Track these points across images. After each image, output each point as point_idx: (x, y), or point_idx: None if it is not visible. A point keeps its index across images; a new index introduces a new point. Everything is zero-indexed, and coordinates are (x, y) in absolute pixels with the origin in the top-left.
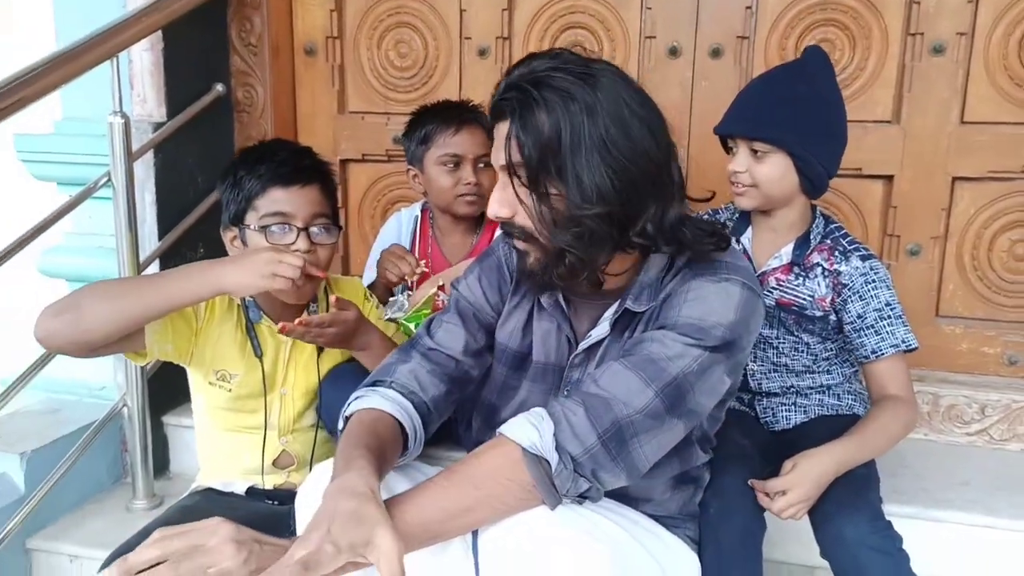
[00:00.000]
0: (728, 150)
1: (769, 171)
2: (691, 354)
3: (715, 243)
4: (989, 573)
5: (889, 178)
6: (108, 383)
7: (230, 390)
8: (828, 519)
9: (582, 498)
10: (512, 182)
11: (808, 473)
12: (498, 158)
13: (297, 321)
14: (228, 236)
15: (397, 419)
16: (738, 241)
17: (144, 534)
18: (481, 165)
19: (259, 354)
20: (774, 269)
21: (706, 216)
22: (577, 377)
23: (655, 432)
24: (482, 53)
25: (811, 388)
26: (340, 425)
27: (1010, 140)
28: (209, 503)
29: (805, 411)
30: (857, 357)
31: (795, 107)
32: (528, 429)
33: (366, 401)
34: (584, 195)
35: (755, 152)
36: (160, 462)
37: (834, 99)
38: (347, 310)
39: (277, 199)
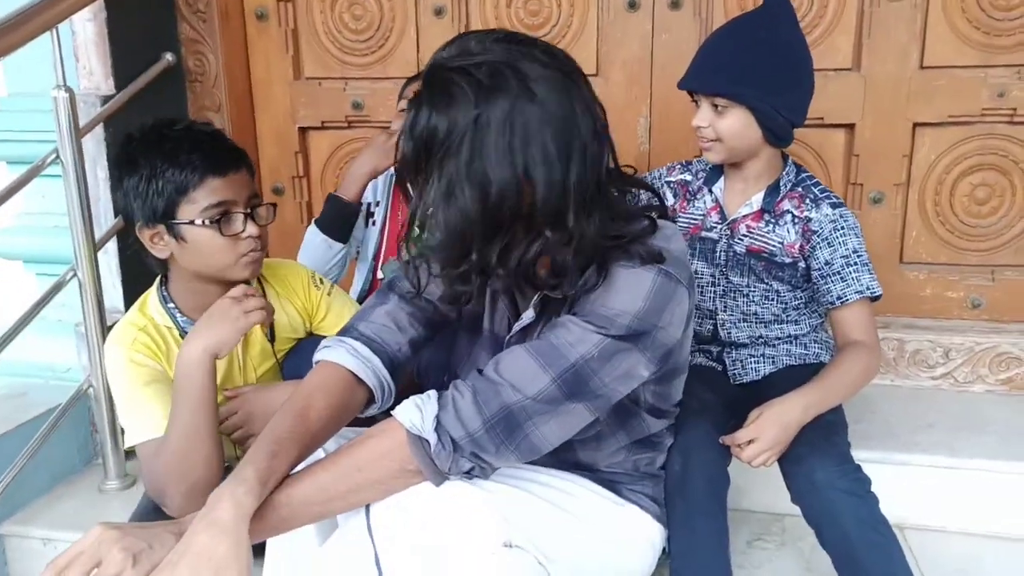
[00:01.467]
0: (696, 104)
1: (730, 125)
2: (591, 340)
3: (641, 232)
4: (953, 511)
5: (851, 126)
6: (73, 365)
7: None
8: (798, 464)
9: (468, 475)
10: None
11: (775, 420)
12: None
13: None
14: (147, 235)
15: (359, 376)
16: (710, 191)
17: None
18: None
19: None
20: (745, 216)
21: (678, 167)
22: None
23: (552, 415)
24: (438, 12)
25: (779, 339)
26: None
27: (969, 83)
28: None
29: (773, 361)
30: (823, 304)
31: (755, 57)
32: (411, 410)
33: (330, 353)
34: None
35: (716, 107)
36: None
37: (797, 46)
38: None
39: (216, 188)
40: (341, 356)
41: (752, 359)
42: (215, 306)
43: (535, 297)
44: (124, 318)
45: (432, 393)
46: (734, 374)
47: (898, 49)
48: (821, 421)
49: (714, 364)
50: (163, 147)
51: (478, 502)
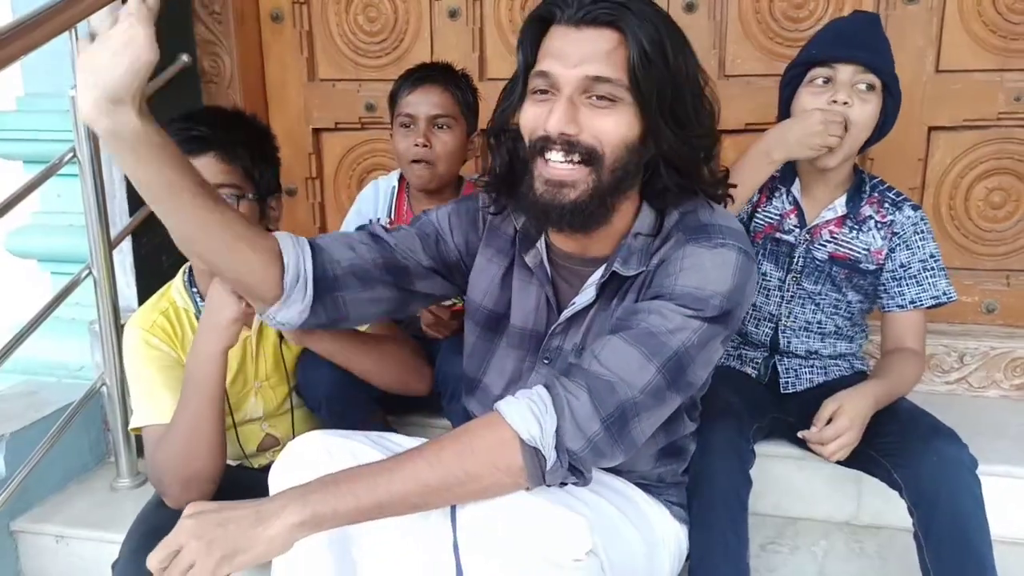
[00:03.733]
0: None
1: (871, 112)
2: (691, 326)
3: (722, 193)
4: None
5: None
6: (86, 363)
7: None
8: (925, 442)
9: (561, 485)
10: (597, 95)
11: (858, 414)
12: (589, 69)
13: None
14: None
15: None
16: (788, 192)
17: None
18: (437, 127)
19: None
20: (828, 221)
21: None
22: (557, 345)
23: (655, 409)
24: (452, 15)
25: (831, 356)
26: None
27: (985, 87)
28: None
29: (826, 372)
30: (886, 306)
31: (888, 49)
32: (529, 419)
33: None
34: (672, 114)
35: (861, 88)
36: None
37: None
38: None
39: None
40: (280, 235)
41: (806, 368)
42: (212, 301)
43: (596, 275)
44: (148, 301)
45: (543, 396)
46: (787, 382)
47: (914, 53)
48: (918, 410)
49: (751, 370)
50: (172, 126)
51: (569, 510)
